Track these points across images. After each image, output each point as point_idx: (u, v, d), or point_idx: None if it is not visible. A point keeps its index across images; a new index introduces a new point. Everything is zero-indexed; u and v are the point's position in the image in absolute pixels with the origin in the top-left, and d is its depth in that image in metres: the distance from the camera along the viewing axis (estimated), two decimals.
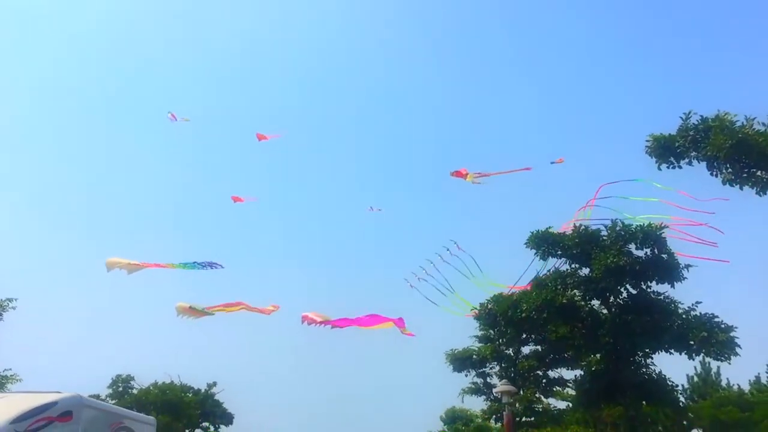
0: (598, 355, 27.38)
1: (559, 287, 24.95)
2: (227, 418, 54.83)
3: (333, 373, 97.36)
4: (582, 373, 25.97)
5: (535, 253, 26.00)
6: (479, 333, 41.86)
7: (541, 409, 40.67)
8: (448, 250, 40.16)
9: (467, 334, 42.46)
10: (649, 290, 24.85)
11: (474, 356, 41.23)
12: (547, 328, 39.00)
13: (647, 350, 24.58)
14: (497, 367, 41.48)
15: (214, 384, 51.86)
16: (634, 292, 24.98)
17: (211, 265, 33.35)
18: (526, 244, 25.90)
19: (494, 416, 41.20)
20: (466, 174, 40.51)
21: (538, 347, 40.90)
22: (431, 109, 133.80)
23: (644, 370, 25.07)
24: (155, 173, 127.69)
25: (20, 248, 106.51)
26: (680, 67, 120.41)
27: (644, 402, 25.76)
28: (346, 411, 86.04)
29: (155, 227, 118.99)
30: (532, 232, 25.65)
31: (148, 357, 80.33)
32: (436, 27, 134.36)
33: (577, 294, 25.03)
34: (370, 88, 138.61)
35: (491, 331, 41.06)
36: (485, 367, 41.65)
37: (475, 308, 26.03)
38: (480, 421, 52.53)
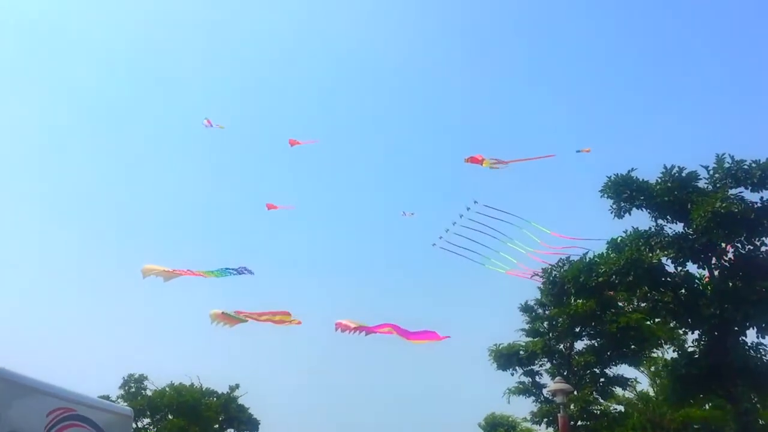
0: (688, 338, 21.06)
1: (642, 248, 18.78)
2: (253, 425, 49.05)
3: (364, 381, 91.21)
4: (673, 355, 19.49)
5: (613, 204, 19.83)
6: (526, 326, 35.70)
7: (599, 412, 34.08)
8: (468, 209, 36.65)
9: (512, 328, 36.24)
10: (762, 248, 18.54)
11: (521, 352, 34.93)
12: (603, 318, 33.21)
13: (763, 325, 18.20)
14: (548, 364, 35.13)
15: (237, 386, 46.05)
16: (742, 251, 18.70)
17: (242, 271, 32.52)
18: (601, 191, 19.77)
19: (545, 419, 34.75)
20: (482, 160, 37.13)
21: (594, 342, 34.72)
22: (463, 107, 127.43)
23: (753, 353, 18.68)
24: (189, 182, 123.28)
25: (49, 254, 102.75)
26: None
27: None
28: (379, 420, 79.82)
29: (189, 235, 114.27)
30: (610, 177, 19.52)
31: (168, 361, 75.16)
32: (460, 24, 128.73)
33: (668, 255, 18.77)
34: (400, 89, 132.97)
35: (541, 324, 35.02)
36: (534, 365, 35.29)
37: (537, 274, 19.89)
38: (524, 426, 46.06)
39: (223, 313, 28.69)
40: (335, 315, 31.28)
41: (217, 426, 47.28)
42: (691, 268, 19.26)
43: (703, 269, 18.84)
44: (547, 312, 35.03)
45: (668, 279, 18.73)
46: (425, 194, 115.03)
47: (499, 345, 35.13)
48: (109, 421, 15.42)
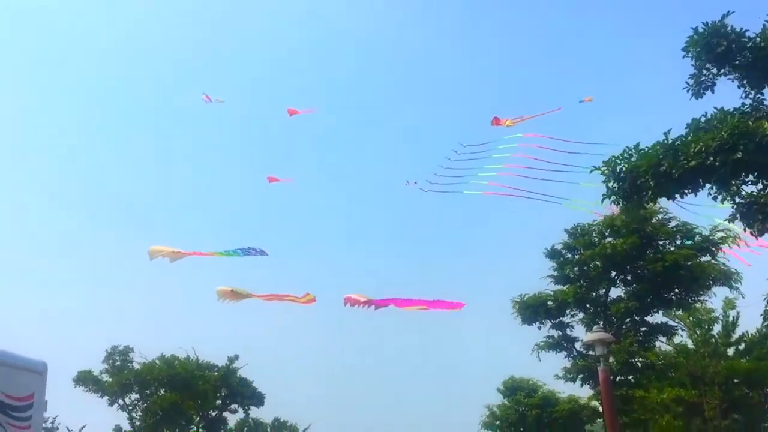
0: None
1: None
2: (257, 399, 43.63)
3: (376, 353, 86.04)
4: None
5: (689, 79, 14.11)
6: (555, 273, 30.03)
7: (641, 365, 28.52)
8: (456, 152, 35.24)
9: (539, 275, 30.62)
10: None
11: (549, 302, 29.45)
12: (645, 258, 27.70)
13: None
14: (581, 314, 29.56)
15: (236, 358, 40.47)
16: None
17: (255, 251, 30.42)
18: (685, 48, 14.02)
19: (579, 376, 29.22)
20: (505, 121, 37.27)
21: (631, 288, 29.13)
22: (461, 74, 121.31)
23: None
24: (190, 160, 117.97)
25: (55, 239, 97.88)
26: None
27: None
28: (395, 393, 74.55)
29: (193, 214, 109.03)
30: (696, 29, 13.74)
31: (165, 338, 70.02)
32: None
33: None
34: (397, 57, 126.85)
35: (572, 270, 29.35)
36: (564, 316, 29.72)
37: (597, 168, 14.16)
38: (547, 388, 40.60)
39: (232, 290, 26.79)
40: (344, 288, 28.65)
41: (219, 402, 41.98)
42: None
43: None
44: (576, 256, 29.52)
45: None
46: (428, 162, 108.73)
47: (525, 296, 29.64)
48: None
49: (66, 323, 77.38)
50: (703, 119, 14.20)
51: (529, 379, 43.23)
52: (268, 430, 54.60)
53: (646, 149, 13.74)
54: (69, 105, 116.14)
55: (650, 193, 13.30)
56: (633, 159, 13.96)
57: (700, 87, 14.69)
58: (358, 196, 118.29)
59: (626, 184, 13.74)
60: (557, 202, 32.81)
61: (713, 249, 27.41)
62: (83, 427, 38.46)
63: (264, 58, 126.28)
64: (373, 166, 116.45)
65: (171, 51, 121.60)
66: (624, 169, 13.85)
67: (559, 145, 33.84)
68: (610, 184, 14.07)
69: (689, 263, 26.59)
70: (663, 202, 22.39)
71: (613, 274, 29.03)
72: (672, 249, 28.07)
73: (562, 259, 29.81)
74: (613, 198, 14.20)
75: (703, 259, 27.74)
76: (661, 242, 28.48)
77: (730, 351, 36.86)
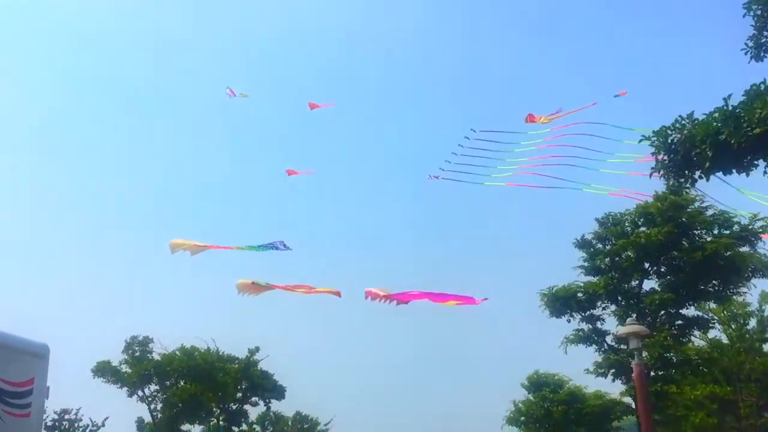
0: None
1: None
2: (278, 392, 42.66)
3: (403, 348, 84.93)
4: None
5: (754, 33, 12.83)
6: (585, 263, 28.67)
7: (675, 360, 27.06)
8: (467, 138, 32.15)
9: (569, 266, 29.27)
10: None
11: (579, 294, 28.05)
12: (681, 248, 26.30)
13: None
14: (612, 307, 28.16)
15: (257, 350, 39.47)
16: None
17: (278, 246, 28.95)
18: (746, 6, 12.75)
19: (611, 371, 27.87)
20: (540, 118, 35.02)
21: (664, 279, 27.74)
22: (482, 68, 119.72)
23: None
24: (211, 154, 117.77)
25: (81, 230, 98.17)
26: None
27: None
28: (418, 387, 73.28)
29: (214, 206, 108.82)
30: None
31: (186, 328, 69.42)
32: None
33: None
34: (422, 53, 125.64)
35: (603, 261, 27.98)
36: (595, 308, 28.33)
37: (647, 138, 12.82)
38: (573, 384, 39.07)
39: (253, 282, 25.36)
40: (366, 282, 27.59)
41: (240, 395, 41.10)
42: None
43: None
44: (608, 246, 28.17)
45: None
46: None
47: (553, 288, 28.29)
48: None
49: (86, 313, 77.26)
50: (762, 86, 12.86)
51: (555, 374, 41.76)
52: (290, 423, 53.81)
53: (703, 116, 12.41)
54: (90, 100, 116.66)
55: (707, 166, 11.93)
56: (687, 129, 12.61)
57: (760, 49, 13.32)
58: (378, 189, 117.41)
59: (679, 156, 12.39)
60: (579, 188, 31.48)
61: (753, 239, 26.03)
62: (106, 418, 37.98)
63: (282, 50, 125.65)
64: (394, 159, 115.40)
65: (190, 45, 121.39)
66: (677, 139, 12.51)
67: (589, 130, 32.39)
68: (660, 157, 12.73)
69: (728, 253, 25.17)
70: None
71: (647, 265, 27.78)
72: (709, 239, 26.73)
73: (592, 249, 28.54)
74: (662, 172, 12.86)
75: (743, 249, 26.40)
76: (697, 231, 27.16)
77: (766, 347, 35.31)
